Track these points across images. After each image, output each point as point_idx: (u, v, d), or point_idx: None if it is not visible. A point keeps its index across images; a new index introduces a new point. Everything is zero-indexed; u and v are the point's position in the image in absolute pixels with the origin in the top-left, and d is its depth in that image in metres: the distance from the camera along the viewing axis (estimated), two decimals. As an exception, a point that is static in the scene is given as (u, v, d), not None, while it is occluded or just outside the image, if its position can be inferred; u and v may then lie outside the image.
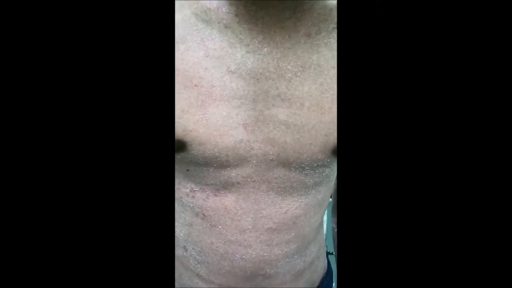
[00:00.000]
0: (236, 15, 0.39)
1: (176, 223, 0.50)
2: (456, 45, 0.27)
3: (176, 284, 0.52)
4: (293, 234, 0.47)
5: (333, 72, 0.41)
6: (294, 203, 0.46)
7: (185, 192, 0.46)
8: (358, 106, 0.28)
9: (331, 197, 0.67)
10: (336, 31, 0.41)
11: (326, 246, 1.23)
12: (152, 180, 0.29)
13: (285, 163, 0.43)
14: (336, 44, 0.41)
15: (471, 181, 0.27)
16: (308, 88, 0.41)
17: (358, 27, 0.28)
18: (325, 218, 1.34)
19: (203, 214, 0.46)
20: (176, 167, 0.45)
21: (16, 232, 0.27)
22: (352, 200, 0.29)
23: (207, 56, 0.40)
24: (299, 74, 0.41)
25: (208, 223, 0.46)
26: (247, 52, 0.40)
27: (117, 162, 0.28)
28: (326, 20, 0.41)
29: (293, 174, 0.44)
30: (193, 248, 0.49)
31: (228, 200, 0.45)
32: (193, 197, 0.46)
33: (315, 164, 0.43)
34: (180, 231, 0.50)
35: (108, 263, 0.28)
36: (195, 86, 0.40)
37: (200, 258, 0.49)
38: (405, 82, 0.27)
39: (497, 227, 0.26)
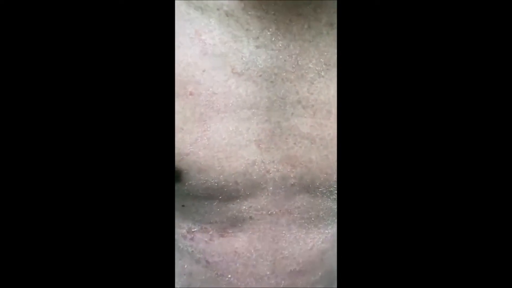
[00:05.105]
0: (241, 0, 0.33)
1: None
2: (456, 56, 0.27)
3: None
4: (320, 274, 0.42)
5: None
6: (320, 235, 0.40)
7: (181, 233, 0.40)
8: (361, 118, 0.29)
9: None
10: None
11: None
12: (147, 220, 0.27)
13: (310, 188, 0.37)
14: None
15: (473, 193, 0.28)
16: (335, 91, 0.36)
17: (359, 30, 0.29)
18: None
19: (206, 261, 0.40)
20: None
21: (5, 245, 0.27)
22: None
23: (204, 55, 0.34)
24: (323, 73, 0.36)
25: (214, 271, 0.40)
26: (257, 47, 0.34)
27: (109, 201, 0.27)
28: None
29: (320, 200, 0.38)
30: None
31: (238, 241, 0.39)
32: (191, 239, 0.40)
33: None
34: (177, 283, 0.43)
35: None
36: (191, 94, 0.34)
37: None
38: (406, 86, 0.28)
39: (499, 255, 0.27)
